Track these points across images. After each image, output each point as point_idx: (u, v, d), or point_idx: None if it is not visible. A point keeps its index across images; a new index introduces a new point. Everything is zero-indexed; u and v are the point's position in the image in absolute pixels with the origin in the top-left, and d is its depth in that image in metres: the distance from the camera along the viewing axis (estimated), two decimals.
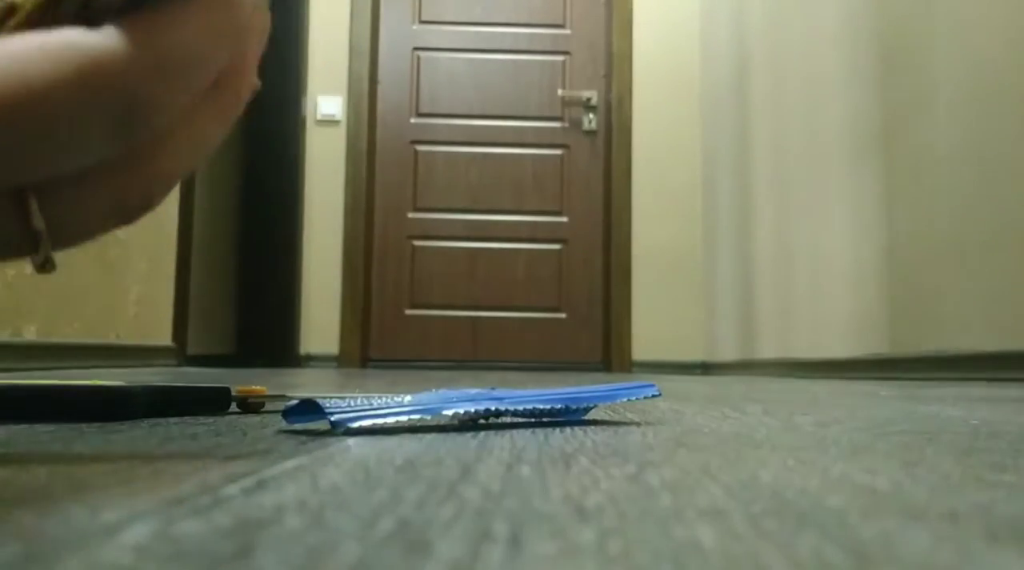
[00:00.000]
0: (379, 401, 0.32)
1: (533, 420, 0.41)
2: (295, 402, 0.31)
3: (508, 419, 0.39)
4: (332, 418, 0.31)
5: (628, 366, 3.07)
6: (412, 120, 3.21)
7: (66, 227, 0.25)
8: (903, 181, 1.79)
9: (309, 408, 0.31)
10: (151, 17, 0.23)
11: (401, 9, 3.25)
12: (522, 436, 0.32)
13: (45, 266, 0.25)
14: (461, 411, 0.34)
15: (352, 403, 0.32)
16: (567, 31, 3.29)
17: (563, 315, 3.17)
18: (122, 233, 1.95)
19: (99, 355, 2.07)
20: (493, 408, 0.36)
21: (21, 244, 0.25)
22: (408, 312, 3.17)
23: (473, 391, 0.37)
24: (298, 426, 0.36)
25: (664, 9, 3.27)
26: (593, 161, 3.23)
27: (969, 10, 1.56)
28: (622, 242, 3.16)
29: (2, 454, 0.25)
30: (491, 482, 0.21)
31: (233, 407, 0.44)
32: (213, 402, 0.43)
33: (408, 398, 0.33)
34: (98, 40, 0.22)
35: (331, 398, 0.32)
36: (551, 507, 0.18)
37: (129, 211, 0.25)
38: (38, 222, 0.24)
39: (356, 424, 0.31)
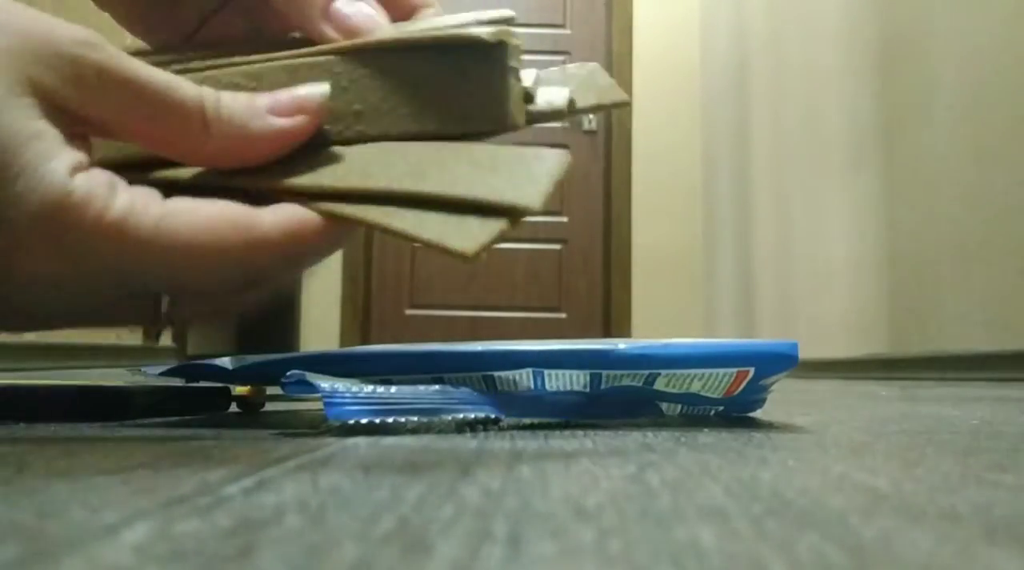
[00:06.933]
0: (380, 390, 0.32)
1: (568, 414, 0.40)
2: (295, 377, 0.31)
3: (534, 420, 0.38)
4: (329, 410, 0.31)
5: None
6: None
7: (186, 317, 0.29)
8: (903, 181, 1.79)
9: (308, 384, 0.31)
10: (299, 228, 0.27)
11: None
12: (522, 436, 0.32)
13: (155, 338, 0.28)
14: (460, 416, 0.33)
15: (352, 391, 0.31)
16: (567, 31, 3.29)
17: (563, 315, 3.17)
18: None
19: (99, 355, 2.07)
20: (493, 416, 0.34)
21: (142, 321, 0.29)
22: (408, 312, 3.17)
23: (475, 393, 0.36)
24: (297, 412, 0.36)
25: (664, 10, 3.27)
26: (593, 161, 3.23)
27: (969, 10, 1.56)
28: (622, 242, 3.16)
29: (2, 454, 0.25)
30: (491, 482, 0.21)
31: (233, 407, 0.44)
32: (212, 402, 0.43)
33: (407, 389, 0.32)
34: (264, 228, 0.26)
35: (333, 382, 0.31)
36: (551, 507, 0.18)
37: (253, 292, 0.29)
38: (164, 310, 0.28)
39: (352, 420, 0.31)
